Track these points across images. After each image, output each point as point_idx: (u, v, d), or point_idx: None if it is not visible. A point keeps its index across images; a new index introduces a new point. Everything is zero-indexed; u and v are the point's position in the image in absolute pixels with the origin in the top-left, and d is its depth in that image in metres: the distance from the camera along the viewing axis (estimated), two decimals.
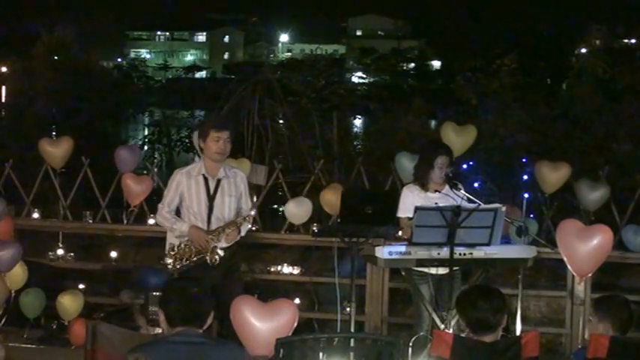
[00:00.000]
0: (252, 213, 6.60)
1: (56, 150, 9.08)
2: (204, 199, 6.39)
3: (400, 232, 6.61)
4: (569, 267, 7.13)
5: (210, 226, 6.36)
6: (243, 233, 6.52)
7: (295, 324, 5.64)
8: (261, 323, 5.54)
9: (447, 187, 6.48)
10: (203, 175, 6.42)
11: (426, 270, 6.34)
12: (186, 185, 6.41)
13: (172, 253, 6.34)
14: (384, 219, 6.55)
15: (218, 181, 6.42)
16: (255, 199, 6.76)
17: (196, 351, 3.99)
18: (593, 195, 8.43)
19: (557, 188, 8.62)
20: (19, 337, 7.53)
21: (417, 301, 6.47)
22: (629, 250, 7.98)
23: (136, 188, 8.73)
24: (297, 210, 8.24)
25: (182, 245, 6.34)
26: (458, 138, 8.39)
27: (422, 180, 6.59)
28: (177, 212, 6.48)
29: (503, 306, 4.68)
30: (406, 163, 8.21)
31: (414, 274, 6.39)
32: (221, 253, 6.29)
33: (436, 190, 6.49)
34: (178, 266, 6.31)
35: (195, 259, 6.31)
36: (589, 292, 7.46)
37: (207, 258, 6.26)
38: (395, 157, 8.55)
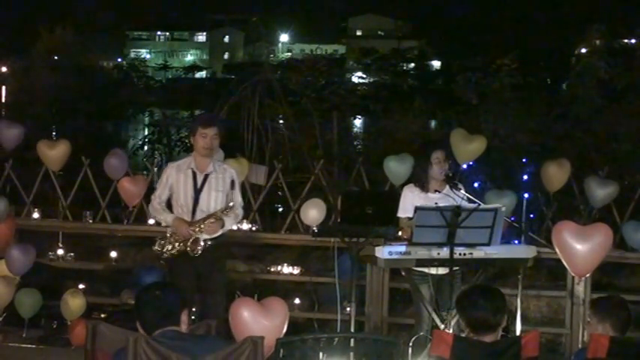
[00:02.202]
0: (239, 211, 6.77)
1: (53, 152, 9.05)
2: (190, 193, 6.62)
3: (400, 232, 6.61)
4: (567, 267, 7.11)
5: (194, 218, 6.59)
6: (228, 227, 6.70)
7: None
8: (256, 323, 5.54)
9: (447, 187, 6.48)
10: (192, 169, 6.67)
11: (426, 270, 6.33)
12: (175, 178, 6.67)
13: (162, 242, 6.60)
14: (384, 219, 6.55)
15: (206, 176, 6.65)
16: (240, 199, 6.86)
17: (179, 345, 4.13)
18: (602, 192, 8.42)
19: (561, 186, 8.61)
20: (19, 337, 7.53)
21: (417, 301, 6.46)
22: (629, 246, 7.98)
23: (132, 189, 8.79)
24: (317, 214, 8.03)
25: (169, 234, 6.62)
26: (468, 145, 8.38)
27: (422, 180, 6.58)
28: (170, 204, 6.74)
29: (504, 306, 4.67)
30: (395, 166, 8.35)
31: (414, 274, 6.39)
32: (202, 243, 6.50)
33: (436, 190, 6.49)
34: (166, 254, 6.57)
35: (178, 247, 6.54)
36: (589, 292, 7.45)
37: (188, 248, 6.49)
38: (383, 162, 8.54)
